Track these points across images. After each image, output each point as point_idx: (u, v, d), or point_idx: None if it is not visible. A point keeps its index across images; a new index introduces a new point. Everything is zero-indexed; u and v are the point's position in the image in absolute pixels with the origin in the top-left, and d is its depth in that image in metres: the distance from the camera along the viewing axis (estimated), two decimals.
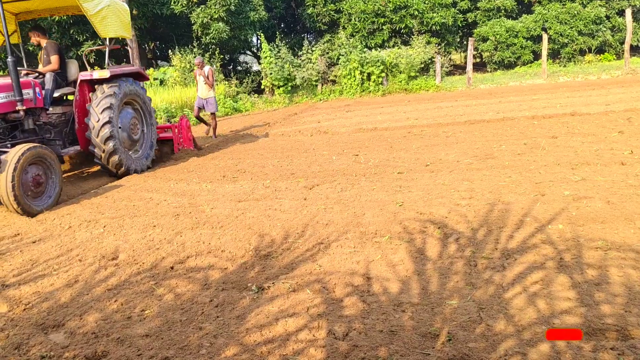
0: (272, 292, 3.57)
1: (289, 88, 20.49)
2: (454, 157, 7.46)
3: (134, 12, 19.64)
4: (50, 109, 7.79)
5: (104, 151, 7.63)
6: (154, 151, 9.00)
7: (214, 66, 21.08)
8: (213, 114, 12.09)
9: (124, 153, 7.92)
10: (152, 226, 5.30)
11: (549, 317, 2.92)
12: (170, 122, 9.69)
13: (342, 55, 20.49)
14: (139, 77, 9.06)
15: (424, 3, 22.03)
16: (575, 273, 3.45)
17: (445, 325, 2.94)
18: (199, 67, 11.88)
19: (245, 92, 21.53)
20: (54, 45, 7.92)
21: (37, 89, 7.18)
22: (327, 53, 21.96)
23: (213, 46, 21.31)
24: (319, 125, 12.83)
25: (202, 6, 20.49)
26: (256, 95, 21.90)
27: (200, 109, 12.20)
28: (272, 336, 2.97)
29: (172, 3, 20.69)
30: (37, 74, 7.81)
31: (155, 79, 20.28)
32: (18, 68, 7.17)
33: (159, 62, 27.25)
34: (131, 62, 14.33)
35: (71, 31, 21.42)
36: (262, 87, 21.62)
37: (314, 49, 21.36)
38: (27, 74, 7.80)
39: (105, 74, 7.76)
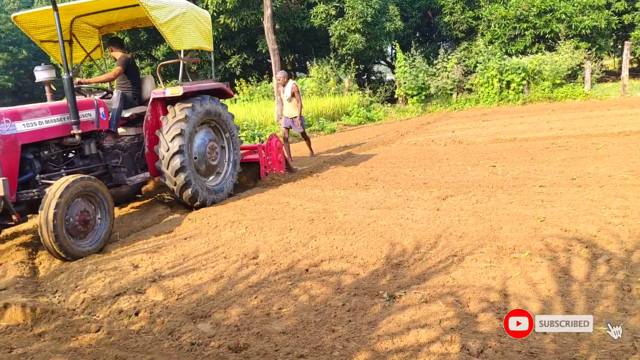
0: (404, 301, 3.56)
1: (423, 97, 20.28)
2: (606, 171, 6.83)
3: (277, 26, 20.78)
4: (123, 130, 7.12)
5: (175, 184, 6.67)
6: (237, 176, 7.89)
7: (349, 76, 21.58)
8: (303, 134, 11.10)
9: (198, 184, 6.89)
10: (288, 229, 5.56)
11: None
12: (262, 141, 8.79)
13: (480, 63, 19.80)
14: (222, 93, 7.98)
15: (573, 6, 20.47)
16: None
17: (592, 353, 2.72)
18: (282, 84, 10.79)
19: (378, 102, 21.73)
20: (123, 58, 7.19)
21: (102, 110, 6.43)
22: (464, 61, 21.36)
23: (349, 57, 21.82)
24: (453, 134, 12.52)
25: (340, 19, 21.10)
26: (389, 104, 21.99)
27: (287, 129, 11.09)
28: (403, 345, 2.97)
29: (312, 17, 21.57)
30: (104, 92, 7.26)
31: None
32: (82, 84, 6.97)
33: (297, 73, 28.54)
34: (274, 74, 14.86)
35: (220, 46, 23.20)
36: (395, 96, 21.66)
37: (449, 57, 20.92)
38: (89, 92, 7.26)
39: (177, 91, 6.72)
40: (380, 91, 22.54)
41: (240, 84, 22.02)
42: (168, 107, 6.93)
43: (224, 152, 7.73)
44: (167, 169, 6.59)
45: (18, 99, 33.69)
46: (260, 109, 16.10)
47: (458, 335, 3.00)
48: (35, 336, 3.64)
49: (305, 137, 11.24)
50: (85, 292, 4.28)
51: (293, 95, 10.56)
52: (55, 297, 4.31)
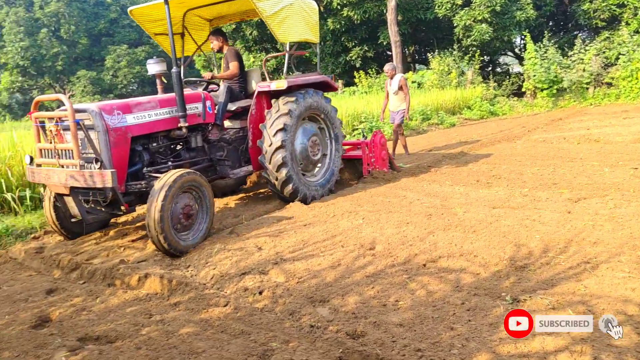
0: (529, 306, 3.39)
1: (554, 91, 18.94)
2: None
3: (399, 18, 20.58)
4: (229, 123, 7.21)
5: (277, 179, 6.66)
6: (338, 172, 7.69)
7: (472, 68, 20.78)
8: (399, 125, 10.49)
9: (299, 180, 6.84)
10: (405, 223, 5.53)
11: None
12: (365, 138, 8.22)
13: (623, 54, 18.03)
14: (326, 87, 7.76)
15: None
16: None
17: None
18: (389, 76, 10.43)
19: (503, 95, 20.70)
20: (234, 51, 7.25)
21: (208, 103, 6.47)
22: (603, 52, 19.58)
23: (473, 48, 21.01)
24: (588, 132, 11.58)
25: (466, 9, 20.37)
26: (515, 98, 20.85)
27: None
28: (527, 351, 2.85)
29: (436, 7, 21.06)
30: (205, 85, 7.18)
31: (413, 82, 20.96)
32: (193, 78, 7.15)
33: (417, 65, 28.07)
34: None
35: (342, 38, 23.50)
36: (523, 89, 20.47)
37: (587, 48, 19.29)
38: (199, 84, 7.24)
39: (282, 84, 6.68)
40: (506, 84, 21.43)
41: (360, 76, 22.15)
42: (272, 100, 6.95)
43: (326, 147, 7.58)
44: (269, 163, 6.58)
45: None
46: (379, 101, 16.07)
47: (589, 346, 2.81)
48: (171, 305, 4.00)
49: (400, 132, 10.60)
50: (214, 268, 4.61)
51: (400, 88, 10.16)
52: (188, 271, 4.70)
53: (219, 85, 7.12)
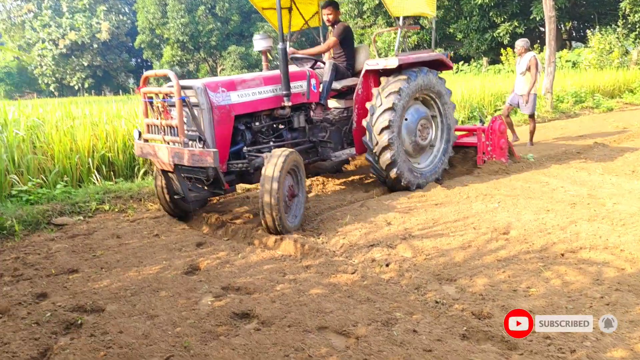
0: None
1: None
2: None
3: None
4: (334, 102, 6.91)
5: (380, 161, 6.25)
6: (447, 160, 7.09)
7: (638, 47, 18.59)
8: (531, 116, 9.47)
9: (405, 165, 6.35)
10: (545, 210, 5.25)
11: None
12: (482, 123, 7.66)
13: None
14: (441, 65, 7.08)
15: None
16: None
17: None
18: (519, 54, 9.46)
19: None
20: (341, 27, 6.67)
21: (313, 81, 6.10)
22: None
23: None
24: None
25: None
26: None
27: (512, 106, 9.75)
28: None
29: None
30: (313, 62, 6.77)
31: (567, 60, 19.34)
32: (295, 55, 6.51)
33: (573, 43, 25.78)
34: (547, 44, 13.48)
35: (490, 13, 22.34)
36: None
37: None
38: (306, 62, 6.77)
39: (393, 62, 6.19)
40: None
41: (507, 53, 20.94)
42: (381, 78, 6.47)
43: (437, 132, 6.98)
44: (374, 145, 6.17)
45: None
46: None
47: None
48: (303, 267, 4.27)
49: (532, 120, 9.52)
50: (344, 238, 4.80)
51: (529, 69, 9.11)
52: (319, 238, 4.95)
53: (324, 63, 6.60)
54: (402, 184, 6.36)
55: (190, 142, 4.85)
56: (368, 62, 6.46)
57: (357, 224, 5.16)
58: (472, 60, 25.19)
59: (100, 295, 3.84)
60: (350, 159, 8.14)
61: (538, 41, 21.53)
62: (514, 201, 5.66)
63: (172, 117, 4.86)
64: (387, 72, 6.43)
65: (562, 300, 3.32)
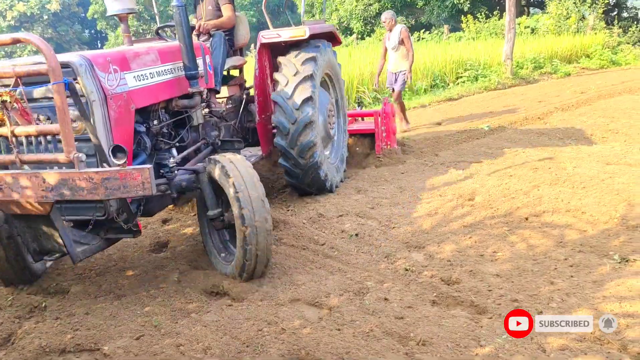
0: (639, 266, 3.21)
1: None
2: None
3: None
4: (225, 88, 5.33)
5: (301, 166, 4.84)
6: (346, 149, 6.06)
7: (595, 12, 18.93)
8: (400, 93, 8.22)
9: (326, 164, 5.14)
10: (508, 175, 5.35)
11: None
12: (360, 107, 6.77)
13: None
14: (332, 39, 5.68)
15: None
16: None
17: None
18: (387, 28, 8.14)
19: (629, 43, 18.72)
20: None
21: (208, 59, 4.54)
22: None
23: None
24: None
25: None
26: None
27: (393, 90, 8.31)
28: (633, 312, 2.72)
29: None
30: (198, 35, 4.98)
31: (526, 27, 19.56)
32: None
33: (531, 9, 26.09)
34: (507, 10, 13.36)
35: None
36: None
37: None
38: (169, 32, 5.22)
39: (301, 32, 4.81)
40: (633, 31, 19.32)
41: (467, 20, 21.00)
42: (279, 58, 4.97)
43: (337, 119, 5.92)
44: (294, 145, 4.74)
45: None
46: (487, 48, 15.24)
47: None
48: (275, 240, 4.24)
49: (398, 99, 8.25)
50: (312, 210, 4.78)
51: (402, 43, 7.93)
52: (289, 211, 4.91)
53: (198, 36, 4.99)
54: (327, 187, 5.15)
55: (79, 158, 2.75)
56: (264, 34, 4.90)
57: (326, 196, 5.14)
58: (434, 28, 25.21)
59: (64, 277, 3.73)
60: None
61: (498, 8, 21.67)
62: (477, 168, 5.74)
63: (38, 121, 2.97)
64: (286, 49, 5.08)
65: (527, 264, 3.41)
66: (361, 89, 11.24)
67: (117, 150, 2.82)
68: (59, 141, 2.91)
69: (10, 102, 2.73)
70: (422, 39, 21.60)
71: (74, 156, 2.73)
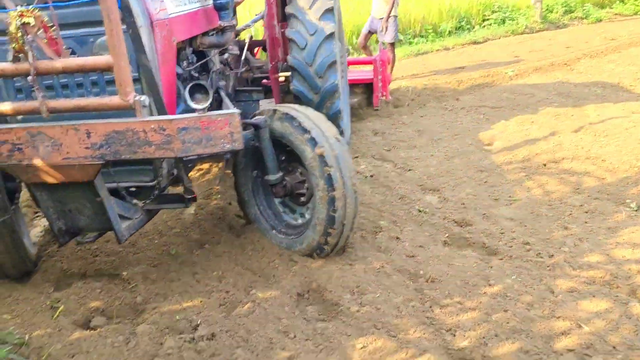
0: None
1: None
2: None
3: None
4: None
5: (318, 89, 3.79)
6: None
7: None
8: (392, 44, 6.98)
9: (345, 100, 4.56)
10: (529, 122, 5.25)
11: None
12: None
13: None
14: None
15: None
16: None
17: None
18: None
19: None
20: None
21: None
22: None
23: None
24: None
25: None
26: None
27: (370, 34, 7.31)
28: None
29: None
30: None
31: None
32: None
33: None
34: None
35: None
36: None
37: None
38: None
39: None
40: None
41: None
42: (287, 7, 3.91)
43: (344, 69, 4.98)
44: (311, 63, 3.74)
45: None
46: None
47: None
48: None
49: (391, 49, 6.98)
50: None
51: None
52: None
53: None
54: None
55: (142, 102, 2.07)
56: None
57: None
58: None
59: None
60: None
61: None
62: (499, 113, 5.63)
63: (68, 51, 2.11)
64: None
65: (542, 209, 3.40)
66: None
67: (196, 89, 2.27)
68: (109, 82, 2.29)
69: (34, 25, 1.95)
70: None
71: (134, 99, 2.01)
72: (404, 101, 6.30)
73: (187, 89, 2.22)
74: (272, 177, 2.88)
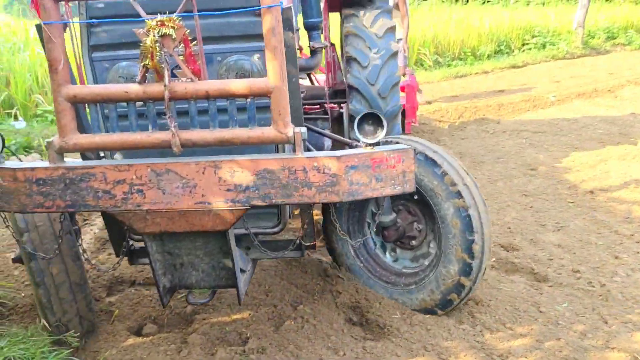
0: None
1: None
2: None
3: None
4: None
5: (384, 106, 3.49)
6: None
7: None
8: (404, 66, 6.22)
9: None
10: (574, 147, 5.19)
11: None
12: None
13: None
14: None
15: None
16: None
17: None
18: None
19: None
20: None
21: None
22: None
23: None
24: None
25: None
26: None
27: None
28: None
29: None
30: None
31: None
32: None
33: None
34: None
35: None
36: None
37: None
38: None
39: None
40: None
41: None
42: (347, 26, 3.53)
43: None
44: (374, 84, 3.44)
45: None
46: (557, 14, 14.47)
47: None
48: None
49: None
50: None
51: (396, 7, 6.08)
52: None
53: None
54: None
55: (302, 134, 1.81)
56: None
57: None
58: None
59: None
60: None
61: None
62: (541, 138, 5.59)
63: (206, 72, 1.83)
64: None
65: (591, 237, 3.34)
66: (422, 50, 10.96)
67: (365, 120, 1.90)
68: (262, 107, 1.91)
69: (175, 38, 1.59)
70: (488, 1, 20.75)
71: (293, 131, 1.71)
72: (444, 123, 6.30)
73: (357, 119, 1.88)
74: (386, 218, 2.44)
